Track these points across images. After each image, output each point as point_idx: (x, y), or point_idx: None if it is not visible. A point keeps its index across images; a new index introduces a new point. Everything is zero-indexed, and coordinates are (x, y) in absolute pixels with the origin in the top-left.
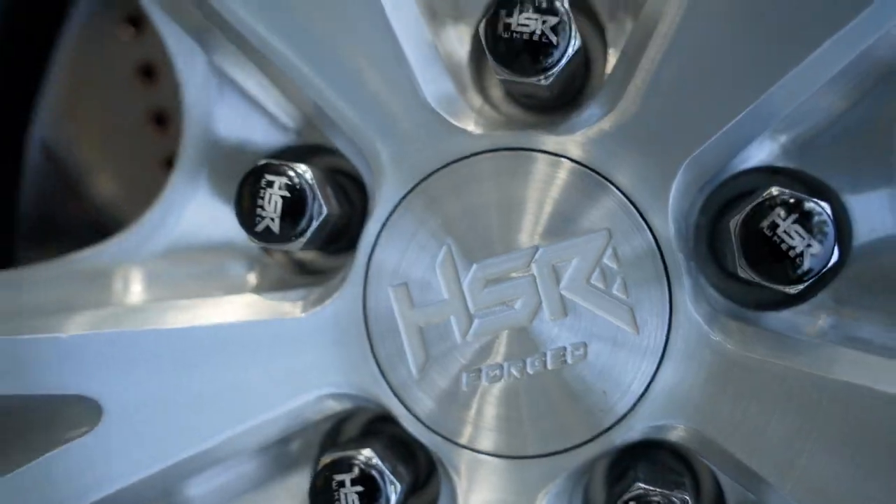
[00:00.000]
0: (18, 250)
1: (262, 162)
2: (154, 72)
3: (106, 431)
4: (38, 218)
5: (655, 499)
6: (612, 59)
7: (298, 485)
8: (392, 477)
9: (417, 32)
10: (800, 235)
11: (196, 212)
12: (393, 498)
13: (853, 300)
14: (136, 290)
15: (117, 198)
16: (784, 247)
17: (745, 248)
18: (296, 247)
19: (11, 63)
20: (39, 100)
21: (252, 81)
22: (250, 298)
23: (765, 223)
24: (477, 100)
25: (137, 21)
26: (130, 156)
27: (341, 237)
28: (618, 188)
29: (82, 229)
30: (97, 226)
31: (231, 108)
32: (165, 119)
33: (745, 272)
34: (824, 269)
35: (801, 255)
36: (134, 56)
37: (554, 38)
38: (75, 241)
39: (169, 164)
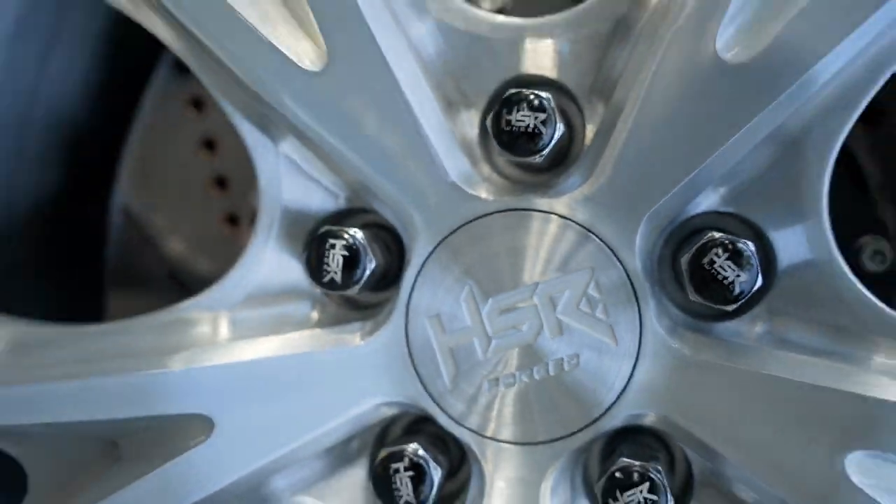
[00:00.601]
0: (105, 299)
1: (325, 229)
2: (214, 144)
3: (218, 440)
4: (121, 271)
5: (636, 470)
6: (589, 131)
7: (357, 475)
8: (435, 464)
9: (437, 121)
10: (731, 268)
11: (267, 265)
12: (436, 481)
13: (782, 311)
14: (223, 331)
15: (187, 251)
16: (720, 277)
17: (692, 279)
18: (353, 292)
19: (97, 142)
20: (120, 171)
21: (310, 164)
22: (316, 332)
23: (705, 260)
24: (486, 169)
25: (199, 103)
26: (196, 215)
27: (384, 279)
28: (597, 236)
29: (158, 279)
30: (171, 276)
31: (294, 184)
32: (225, 183)
33: (693, 296)
34: (752, 292)
35: (733, 282)
36: (197, 131)
37: (543, 129)
38: (152, 290)
39: (230, 220)
